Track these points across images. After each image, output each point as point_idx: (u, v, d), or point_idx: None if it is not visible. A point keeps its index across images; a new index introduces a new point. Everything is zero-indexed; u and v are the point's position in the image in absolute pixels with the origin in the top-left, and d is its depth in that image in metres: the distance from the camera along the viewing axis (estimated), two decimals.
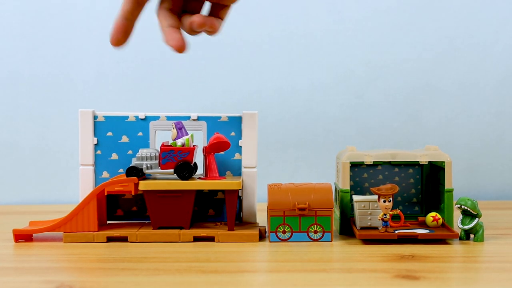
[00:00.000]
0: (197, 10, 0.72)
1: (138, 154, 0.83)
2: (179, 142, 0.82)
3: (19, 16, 1.23)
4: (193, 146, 0.84)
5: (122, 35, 0.74)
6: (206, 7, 0.73)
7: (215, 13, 0.72)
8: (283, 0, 1.24)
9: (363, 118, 1.26)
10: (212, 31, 0.73)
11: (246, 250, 0.77)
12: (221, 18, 0.74)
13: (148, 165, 0.82)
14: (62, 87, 1.24)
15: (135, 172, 0.82)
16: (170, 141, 0.83)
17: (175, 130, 0.83)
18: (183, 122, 0.85)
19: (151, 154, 0.83)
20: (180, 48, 0.71)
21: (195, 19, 0.70)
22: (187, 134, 0.83)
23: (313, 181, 0.88)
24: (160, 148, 0.82)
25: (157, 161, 0.83)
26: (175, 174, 0.82)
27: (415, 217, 0.89)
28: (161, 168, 0.82)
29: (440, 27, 1.25)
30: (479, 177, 1.26)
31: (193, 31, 0.72)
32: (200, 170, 0.87)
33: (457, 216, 0.83)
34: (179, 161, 0.81)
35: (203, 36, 1.30)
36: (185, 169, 0.81)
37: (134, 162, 0.83)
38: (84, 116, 0.87)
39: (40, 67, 1.24)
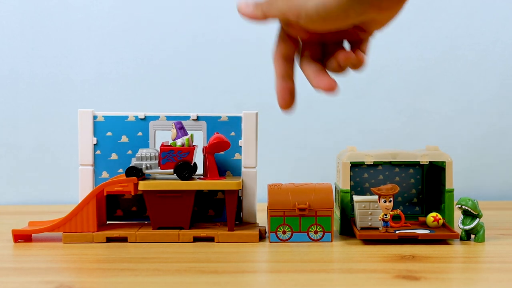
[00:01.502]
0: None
1: (138, 154, 0.83)
2: (179, 142, 0.82)
3: (18, 16, 1.23)
4: (193, 146, 0.84)
5: (288, 96, 0.73)
6: (347, 47, 0.72)
7: (356, 49, 0.71)
8: None
9: (364, 118, 1.26)
10: (358, 63, 0.71)
11: (246, 250, 0.77)
12: (363, 52, 0.73)
13: (148, 165, 0.82)
14: (61, 87, 1.24)
15: (135, 172, 0.82)
16: (170, 141, 0.83)
17: (175, 130, 0.82)
18: (183, 122, 0.84)
19: (150, 154, 0.82)
20: (332, 87, 0.70)
21: (339, 55, 0.69)
22: (187, 134, 0.83)
23: (313, 181, 0.87)
24: (160, 148, 0.82)
25: (156, 161, 0.82)
26: (175, 174, 0.82)
27: (415, 218, 0.89)
28: (161, 168, 0.82)
29: (440, 27, 1.25)
30: (480, 177, 1.26)
31: (340, 69, 0.71)
32: (200, 170, 0.87)
33: (458, 216, 0.83)
34: (179, 161, 0.81)
35: (203, 36, 1.31)
36: (185, 169, 0.81)
37: (134, 162, 0.83)
38: (84, 116, 0.87)
39: (39, 67, 1.23)
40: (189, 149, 0.82)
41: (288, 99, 0.73)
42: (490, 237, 0.82)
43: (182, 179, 0.82)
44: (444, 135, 1.26)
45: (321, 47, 0.73)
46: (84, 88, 1.24)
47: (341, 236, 0.85)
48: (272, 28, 1.26)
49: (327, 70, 0.72)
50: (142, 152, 0.83)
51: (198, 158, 0.87)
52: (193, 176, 0.85)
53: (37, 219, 0.89)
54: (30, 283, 0.62)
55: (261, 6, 0.69)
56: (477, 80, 1.26)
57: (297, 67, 0.72)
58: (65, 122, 1.22)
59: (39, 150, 1.24)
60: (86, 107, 0.89)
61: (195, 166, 0.86)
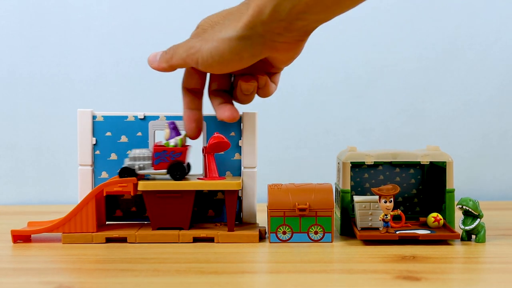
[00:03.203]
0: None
1: (131, 155, 0.82)
2: (172, 142, 0.81)
3: (18, 15, 1.23)
4: (186, 146, 0.83)
5: (194, 125, 0.80)
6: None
7: (257, 78, 0.76)
8: None
9: (364, 118, 1.25)
10: (265, 93, 0.77)
11: (246, 251, 0.77)
12: (274, 83, 0.78)
13: (141, 165, 0.82)
14: (60, 86, 1.24)
15: (129, 173, 0.81)
16: (163, 141, 0.83)
17: (168, 130, 0.82)
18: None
19: (144, 154, 0.82)
20: (234, 118, 0.77)
21: (241, 83, 0.74)
22: (180, 134, 0.82)
23: (313, 181, 0.87)
24: (153, 148, 0.82)
25: (150, 162, 0.82)
26: (168, 175, 0.82)
27: (416, 218, 0.89)
28: (154, 169, 0.82)
29: (441, 26, 1.25)
30: (481, 178, 1.26)
31: (245, 96, 0.77)
32: (199, 170, 0.87)
33: (459, 216, 0.83)
34: (172, 161, 0.81)
35: None
36: (178, 170, 0.81)
37: (127, 162, 0.83)
38: (83, 116, 0.87)
39: (39, 67, 1.23)
40: (182, 149, 0.82)
41: (194, 128, 0.79)
42: (491, 237, 0.82)
43: (174, 180, 0.81)
44: (445, 135, 1.25)
45: (229, 78, 0.78)
46: (84, 88, 1.23)
47: (341, 236, 0.85)
48: None
49: (234, 100, 0.78)
50: (135, 152, 0.82)
51: (198, 158, 0.86)
52: (188, 177, 0.85)
53: (36, 219, 0.88)
54: (29, 284, 0.62)
55: (165, 58, 0.73)
56: (477, 80, 1.25)
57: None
58: (64, 122, 1.22)
59: (38, 150, 1.24)
60: (85, 107, 0.89)
61: (188, 167, 0.85)
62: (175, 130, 0.82)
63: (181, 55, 0.72)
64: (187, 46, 0.71)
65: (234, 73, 0.75)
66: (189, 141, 0.85)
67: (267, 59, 0.71)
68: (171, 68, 0.74)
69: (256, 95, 0.79)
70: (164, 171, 0.81)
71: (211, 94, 0.78)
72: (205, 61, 0.69)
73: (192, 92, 0.78)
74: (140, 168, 0.82)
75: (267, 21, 0.64)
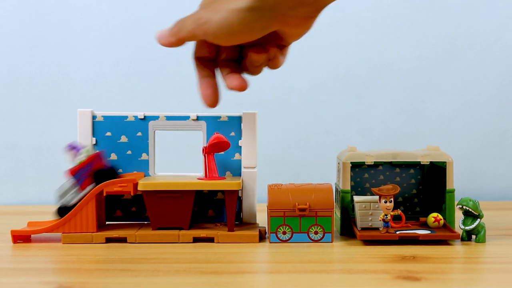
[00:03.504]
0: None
1: (58, 193, 0.83)
2: (81, 157, 0.82)
3: (18, 15, 1.23)
4: (96, 152, 0.84)
5: (211, 91, 0.76)
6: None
7: (267, 49, 0.73)
8: None
9: (364, 118, 1.25)
10: (274, 64, 0.74)
11: (246, 251, 0.77)
12: (283, 55, 0.75)
13: (72, 195, 0.83)
14: (60, 86, 1.23)
15: (66, 209, 0.82)
16: (73, 164, 0.83)
17: (70, 153, 0.83)
18: (184, 121, 0.84)
19: (67, 185, 0.83)
20: (242, 87, 0.74)
21: (250, 55, 0.72)
22: (80, 149, 0.83)
23: (313, 181, 0.87)
24: (70, 174, 0.83)
25: (76, 187, 0.83)
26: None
27: (416, 218, 0.89)
28: (83, 189, 0.82)
29: (441, 26, 1.25)
30: (481, 178, 1.26)
31: (254, 68, 0.74)
32: (200, 170, 0.87)
33: (459, 216, 0.83)
34: (92, 172, 0.82)
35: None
36: (103, 175, 0.82)
37: (59, 202, 0.83)
38: (83, 116, 0.87)
39: (39, 67, 1.23)
40: (93, 156, 0.82)
41: (210, 94, 0.76)
42: (491, 237, 0.82)
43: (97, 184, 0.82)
44: (445, 135, 1.25)
45: (238, 48, 0.75)
46: (84, 88, 1.23)
47: (341, 236, 0.85)
48: None
49: (244, 71, 0.75)
50: (60, 189, 0.83)
51: (198, 158, 0.86)
52: (186, 177, 0.85)
53: (36, 219, 0.88)
54: (29, 284, 0.62)
55: (173, 31, 0.71)
56: (477, 80, 1.25)
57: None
58: (64, 122, 1.22)
59: (38, 150, 1.24)
60: (85, 107, 0.89)
61: (112, 170, 0.85)
62: (75, 149, 0.83)
63: (188, 27, 0.70)
64: (195, 17, 0.69)
65: (243, 45, 0.73)
66: (195, 141, 0.84)
67: (277, 31, 0.69)
68: (179, 41, 0.72)
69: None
70: (93, 184, 0.82)
71: (220, 63, 0.76)
72: (213, 32, 0.67)
73: (203, 60, 0.76)
74: (73, 198, 0.82)
75: None
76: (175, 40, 0.71)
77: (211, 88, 0.76)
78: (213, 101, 0.76)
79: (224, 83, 0.75)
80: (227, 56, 0.75)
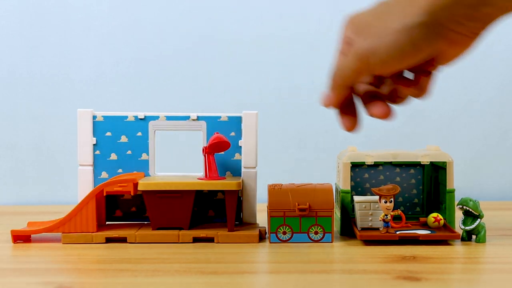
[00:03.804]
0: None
1: None
2: None
3: (17, 15, 1.23)
4: None
5: (354, 120, 0.69)
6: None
7: (418, 79, 0.67)
8: None
9: (364, 118, 1.25)
10: (420, 94, 0.68)
11: (246, 251, 0.77)
12: (428, 82, 0.68)
13: None
14: (60, 86, 1.23)
15: None
16: None
17: None
18: (184, 121, 0.84)
19: None
20: (386, 115, 0.68)
21: (400, 87, 0.66)
22: None
23: (313, 181, 0.87)
24: None
25: None
26: None
27: (416, 218, 0.89)
28: None
29: None
30: (481, 178, 1.26)
31: (399, 99, 0.69)
32: (200, 170, 0.87)
33: (459, 216, 0.83)
34: None
35: (203, 36, 1.30)
36: None
37: None
38: (83, 116, 0.87)
39: (38, 67, 1.23)
40: None
41: (354, 122, 0.70)
42: (491, 237, 0.82)
43: None
44: (445, 135, 1.25)
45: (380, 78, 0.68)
46: (84, 88, 1.23)
47: (341, 236, 0.85)
48: (273, 28, 1.26)
49: (385, 99, 0.68)
50: None
51: (199, 158, 0.86)
52: (186, 176, 0.85)
53: (36, 219, 0.88)
54: (29, 284, 0.62)
55: (335, 84, 0.64)
56: (477, 80, 1.25)
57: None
58: (64, 122, 1.22)
59: (38, 150, 1.24)
60: (86, 107, 0.89)
61: None
62: None
63: (351, 67, 0.62)
64: (354, 53, 0.61)
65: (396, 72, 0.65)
66: (194, 141, 0.85)
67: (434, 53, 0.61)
68: (345, 89, 0.65)
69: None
70: None
71: (360, 87, 0.69)
72: (381, 61, 0.59)
73: (347, 86, 0.67)
74: None
75: (449, 5, 0.56)
76: (342, 92, 0.65)
77: (354, 116, 0.69)
78: (355, 127, 0.70)
79: (365, 110, 0.68)
80: (370, 82, 0.68)
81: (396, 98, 0.68)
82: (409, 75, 0.66)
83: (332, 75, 0.64)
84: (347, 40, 0.63)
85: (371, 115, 0.67)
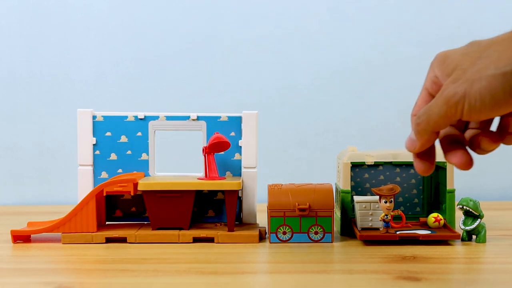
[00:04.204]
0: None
1: None
2: None
3: (17, 15, 1.23)
4: None
5: (431, 164, 0.64)
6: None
7: (504, 136, 0.63)
8: None
9: (364, 118, 1.25)
10: (496, 146, 0.65)
11: (246, 251, 0.77)
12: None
13: None
14: (60, 87, 1.23)
15: None
16: None
17: None
18: (184, 121, 0.84)
19: None
20: (466, 164, 0.64)
21: (484, 139, 0.63)
22: None
23: (313, 181, 0.87)
24: None
25: None
26: None
27: (416, 218, 0.89)
28: None
29: (441, 26, 1.25)
30: (481, 178, 1.26)
31: (482, 151, 0.65)
32: (200, 170, 0.87)
33: (459, 217, 0.83)
34: None
35: (203, 36, 1.30)
36: None
37: None
38: (83, 116, 0.86)
39: (38, 67, 1.23)
40: None
41: (431, 166, 0.65)
42: (491, 237, 0.82)
43: None
44: None
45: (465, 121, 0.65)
46: (83, 88, 1.23)
47: (341, 236, 0.84)
48: (273, 28, 1.25)
49: (467, 145, 0.66)
50: None
51: (199, 158, 0.86)
52: (186, 176, 0.85)
53: (36, 219, 0.88)
54: (29, 284, 0.62)
55: (420, 128, 0.61)
56: None
57: None
58: (64, 122, 1.22)
59: (38, 150, 1.24)
60: (85, 107, 0.89)
61: None
62: None
63: (438, 113, 0.58)
64: (444, 98, 0.57)
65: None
66: (194, 141, 0.84)
67: None
68: (431, 134, 0.60)
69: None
70: None
71: (442, 132, 0.65)
72: (471, 107, 0.55)
73: (433, 133, 0.62)
74: None
75: None
76: (427, 137, 0.60)
77: (431, 160, 0.64)
78: (430, 172, 0.65)
79: (443, 154, 0.64)
80: (453, 128, 0.65)
81: (476, 148, 0.65)
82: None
83: (418, 118, 0.60)
84: (435, 80, 0.61)
85: (450, 162, 0.64)
